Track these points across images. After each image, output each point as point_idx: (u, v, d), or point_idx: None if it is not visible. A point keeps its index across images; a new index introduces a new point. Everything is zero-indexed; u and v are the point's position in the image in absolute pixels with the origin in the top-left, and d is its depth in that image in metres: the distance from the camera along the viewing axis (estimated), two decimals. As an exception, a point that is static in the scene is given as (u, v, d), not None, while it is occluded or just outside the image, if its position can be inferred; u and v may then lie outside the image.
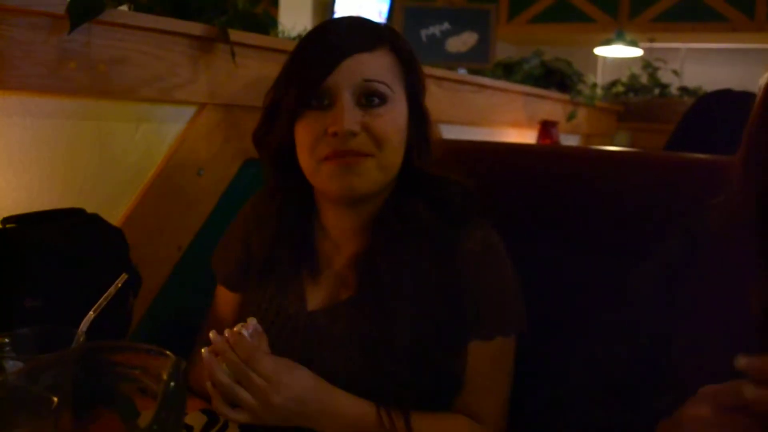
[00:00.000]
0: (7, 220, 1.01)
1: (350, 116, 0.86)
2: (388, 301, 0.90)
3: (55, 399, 0.59)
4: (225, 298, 1.08)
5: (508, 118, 2.79)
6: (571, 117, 3.33)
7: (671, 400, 0.69)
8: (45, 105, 1.12)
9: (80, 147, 1.17)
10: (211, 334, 0.84)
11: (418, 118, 0.95)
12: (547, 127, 2.85)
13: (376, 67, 0.90)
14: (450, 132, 2.28)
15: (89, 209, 1.09)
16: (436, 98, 2.17)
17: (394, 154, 0.91)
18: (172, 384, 0.47)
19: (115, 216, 1.21)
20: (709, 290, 0.78)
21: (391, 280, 0.90)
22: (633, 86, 4.25)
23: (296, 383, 0.84)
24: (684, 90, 4.37)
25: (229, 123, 1.35)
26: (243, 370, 0.80)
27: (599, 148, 1.40)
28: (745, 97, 1.97)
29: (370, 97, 0.89)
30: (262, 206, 1.02)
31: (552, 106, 3.19)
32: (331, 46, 0.90)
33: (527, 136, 2.94)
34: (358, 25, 0.94)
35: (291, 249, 0.99)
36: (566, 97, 3.31)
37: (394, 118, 0.90)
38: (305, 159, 0.91)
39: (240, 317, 1.04)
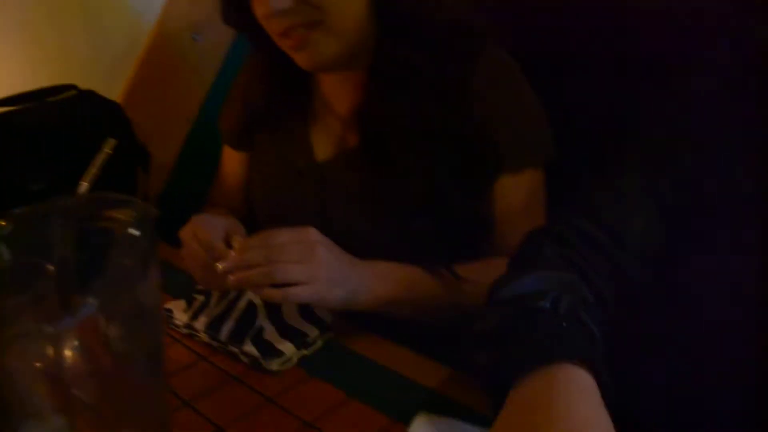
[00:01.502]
0: (0, 101, 0.97)
1: None
2: (394, 151, 0.83)
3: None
4: (231, 158, 1.05)
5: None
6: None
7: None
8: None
9: (67, 19, 1.11)
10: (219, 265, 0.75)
11: None
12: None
13: None
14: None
15: (83, 86, 1.04)
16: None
17: (341, 15, 0.79)
18: (136, 232, 0.44)
19: (113, 92, 1.16)
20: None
21: (394, 130, 0.83)
22: None
23: (327, 242, 0.78)
24: None
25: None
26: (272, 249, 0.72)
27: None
28: None
29: None
30: (257, 65, 0.95)
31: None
32: None
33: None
34: None
35: (289, 101, 0.93)
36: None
37: None
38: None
39: (249, 176, 1.01)
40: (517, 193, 0.85)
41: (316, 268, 0.72)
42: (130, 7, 1.18)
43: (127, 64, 1.18)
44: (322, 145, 0.92)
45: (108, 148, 0.73)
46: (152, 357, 0.47)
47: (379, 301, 0.77)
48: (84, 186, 0.73)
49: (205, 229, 0.79)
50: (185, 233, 0.81)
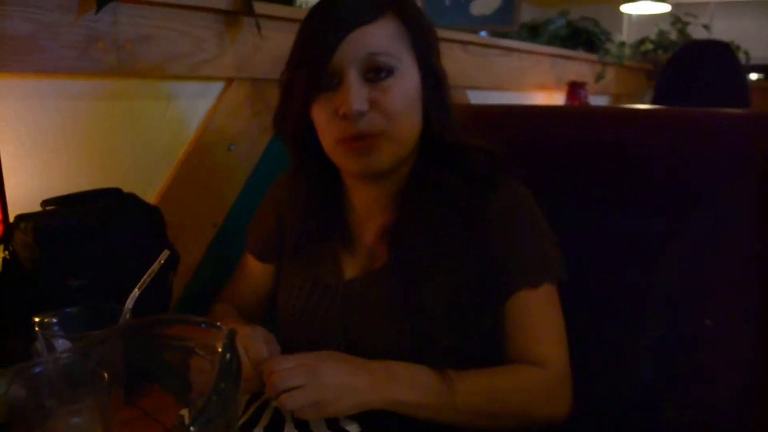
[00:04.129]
0: (46, 202, 1.03)
1: (357, 95, 0.85)
2: (419, 269, 0.89)
3: (106, 375, 0.60)
4: (253, 268, 1.10)
5: (535, 81, 2.74)
6: (599, 78, 3.26)
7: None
8: (76, 86, 1.13)
9: (112, 127, 1.19)
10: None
11: (433, 82, 0.92)
12: (575, 89, 2.79)
13: (379, 38, 0.87)
14: (477, 97, 2.25)
15: (125, 189, 1.11)
16: (462, 63, 2.14)
17: (407, 126, 0.89)
18: (228, 355, 0.48)
19: (150, 194, 1.22)
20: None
21: (421, 250, 0.90)
22: (662, 43, 4.14)
23: (338, 356, 0.84)
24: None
25: (256, 97, 1.35)
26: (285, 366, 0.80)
27: (625, 106, 1.37)
28: (721, 47, 1.94)
29: (377, 71, 0.86)
30: (292, 181, 1.02)
31: (579, 66, 3.13)
32: (332, 23, 0.87)
33: (555, 99, 2.90)
34: None
35: (322, 223, 0.99)
36: (594, 57, 3.24)
37: (403, 89, 0.88)
38: (323, 139, 0.91)
39: (276, 289, 1.06)
40: (535, 306, 0.91)
41: (319, 389, 0.78)
42: (173, 118, 1.26)
43: (165, 169, 1.26)
44: (351, 266, 0.98)
45: (163, 258, 0.78)
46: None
47: (396, 403, 0.82)
48: (135, 293, 0.78)
49: (255, 347, 0.84)
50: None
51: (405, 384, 0.83)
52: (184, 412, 0.63)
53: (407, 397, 0.82)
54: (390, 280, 0.92)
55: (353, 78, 0.86)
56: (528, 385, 0.89)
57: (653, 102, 1.88)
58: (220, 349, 0.50)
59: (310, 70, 0.87)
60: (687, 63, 1.86)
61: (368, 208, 0.98)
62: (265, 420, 0.82)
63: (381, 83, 0.86)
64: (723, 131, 1.03)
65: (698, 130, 1.07)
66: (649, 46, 4.09)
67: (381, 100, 0.86)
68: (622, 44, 3.65)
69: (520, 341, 0.91)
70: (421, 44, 0.91)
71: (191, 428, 0.41)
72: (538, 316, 0.91)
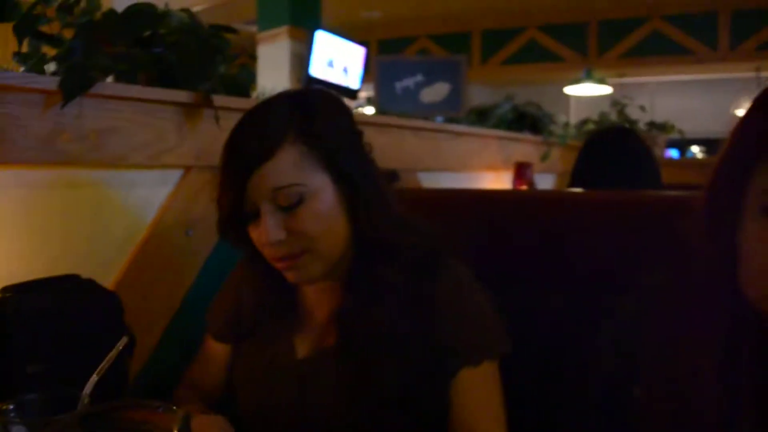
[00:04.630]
0: (6, 289, 1.05)
1: (273, 227, 0.90)
2: (366, 355, 0.94)
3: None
4: (213, 348, 1.14)
5: (484, 162, 2.87)
6: (544, 157, 3.42)
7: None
8: (39, 176, 1.17)
9: (73, 214, 1.22)
10: None
11: (351, 189, 0.94)
12: (522, 169, 2.93)
13: (280, 173, 0.90)
14: (428, 178, 2.36)
15: (84, 274, 1.14)
16: (414, 147, 2.25)
17: (329, 241, 0.94)
18: None
19: (108, 279, 1.25)
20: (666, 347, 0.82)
21: (367, 336, 0.95)
22: (603, 123, 4.38)
23: None
24: (652, 124, 4.51)
25: (215, 183, 1.40)
26: None
27: (560, 191, 1.47)
28: (626, 131, 2.14)
29: (286, 202, 0.91)
30: (249, 272, 1.07)
31: (526, 147, 3.29)
32: (236, 166, 0.93)
33: (503, 178, 3.03)
34: (255, 131, 0.94)
35: (275, 306, 1.04)
36: (539, 138, 3.42)
37: (316, 213, 0.92)
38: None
39: (231, 366, 1.10)
40: (477, 383, 0.96)
41: None
42: (133, 205, 1.31)
43: (124, 254, 1.29)
44: (303, 344, 1.03)
45: (121, 345, 0.82)
46: None
47: None
48: (94, 378, 0.81)
49: (205, 429, 0.87)
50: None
51: None
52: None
53: None
54: (339, 360, 0.97)
55: (267, 210, 0.91)
56: None
57: (570, 186, 2.02)
58: (175, 431, 0.54)
59: (229, 210, 0.94)
60: (595, 149, 2.03)
61: (316, 297, 1.04)
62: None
63: (293, 210, 0.91)
64: (643, 212, 1.14)
65: (626, 211, 1.17)
66: (591, 126, 4.31)
67: (296, 227, 0.91)
68: (567, 125, 3.86)
69: (464, 419, 0.95)
70: (330, 155, 0.93)
71: None
72: (480, 393, 0.96)
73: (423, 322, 0.95)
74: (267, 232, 0.91)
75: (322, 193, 0.93)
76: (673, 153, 7.36)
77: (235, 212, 0.94)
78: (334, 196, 0.94)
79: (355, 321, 0.96)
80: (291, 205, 0.91)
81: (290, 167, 0.91)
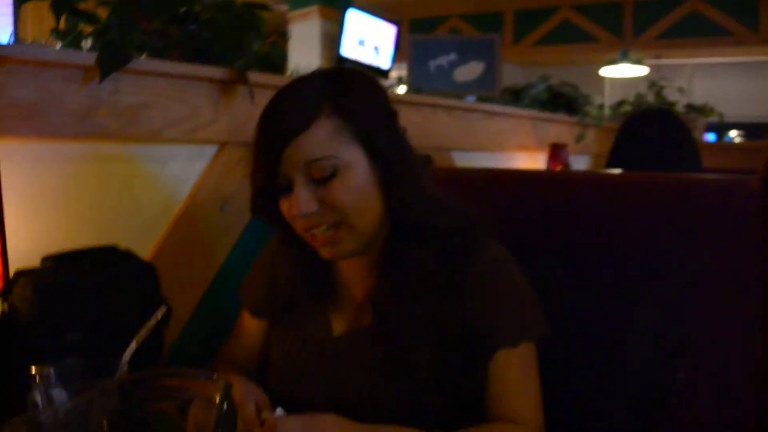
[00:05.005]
0: (46, 259, 1.08)
1: (304, 199, 0.90)
2: (402, 336, 0.94)
3: (106, 425, 0.64)
4: (249, 323, 1.14)
5: (517, 143, 2.84)
6: (579, 139, 3.37)
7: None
8: (77, 150, 1.19)
9: (111, 188, 1.25)
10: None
11: (385, 165, 0.94)
12: (556, 150, 2.89)
13: (315, 144, 0.90)
14: (462, 158, 2.34)
15: (121, 245, 1.16)
16: (446, 126, 2.23)
17: (363, 216, 0.93)
18: (225, 406, 0.52)
19: (145, 251, 1.28)
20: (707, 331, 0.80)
21: (402, 318, 0.94)
22: (640, 105, 4.30)
23: (329, 418, 0.87)
24: (690, 107, 4.41)
25: (249, 160, 1.41)
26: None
27: (600, 172, 1.45)
28: (667, 114, 2.07)
29: (320, 174, 0.90)
30: (283, 249, 1.07)
31: (560, 128, 3.24)
32: (270, 138, 0.92)
33: (537, 159, 3.00)
34: (291, 103, 0.94)
35: (311, 284, 1.04)
36: (574, 119, 3.37)
37: (350, 185, 0.91)
38: (294, 229, 0.97)
39: (267, 344, 1.10)
40: (514, 365, 0.95)
41: None
42: (169, 179, 1.32)
43: (160, 227, 1.31)
44: (339, 322, 1.02)
45: (160, 314, 0.83)
46: None
47: None
48: (133, 345, 0.83)
49: (248, 406, 0.88)
50: None
51: None
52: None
53: None
54: (376, 340, 0.97)
55: (299, 183, 0.91)
56: None
57: (608, 163, 1.99)
58: (217, 400, 0.54)
59: (262, 183, 0.94)
60: (635, 131, 1.98)
61: (352, 273, 1.03)
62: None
63: (327, 184, 0.90)
64: (689, 195, 1.11)
65: (670, 194, 1.14)
66: (628, 108, 4.24)
67: (329, 199, 0.91)
68: (602, 106, 3.80)
69: (500, 401, 0.95)
70: (365, 132, 0.93)
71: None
72: (517, 375, 0.95)
73: (459, 305, 0.95)
74: (299, 203, 0.90)
75: (356, 167, 0.92)
76: (710, 137, 7.20)
77: (268, 185, 0.94)
78: (368, 172, 0.93)
79: (389, 304, 0.95)
80: (324, 177, 0.90)
81: (325, 140, 0.90)
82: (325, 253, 0.96)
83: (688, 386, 0.92)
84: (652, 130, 1.92)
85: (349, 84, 0.96)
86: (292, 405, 0.96)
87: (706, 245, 0.98)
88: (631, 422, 0.98)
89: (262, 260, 1.15)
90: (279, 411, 0.91)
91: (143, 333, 0.81)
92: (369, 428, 0.88)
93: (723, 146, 5.29)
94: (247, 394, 0.88)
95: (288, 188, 0.93)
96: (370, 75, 1.04)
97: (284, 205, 0.94)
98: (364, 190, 0.93)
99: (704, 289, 0.98)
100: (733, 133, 8.02)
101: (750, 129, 7.32)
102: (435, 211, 0.96)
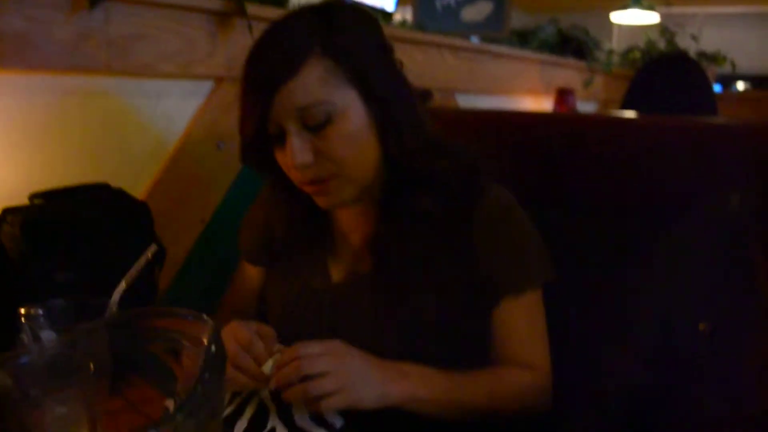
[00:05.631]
0: (34, 196, 1.04)
1: (299, 149, 0.85)
2: (403, 283, 0.91)
3: (92, 365, 0.61)
4: (248, 272, 1.11)
5: (524, 86, 2.77)
6: (587, 84, 3.29)
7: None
8: (67, 83, 1.14)
9: (102, 123, 1.20)
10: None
11: (380, 106, 0.88)
12: (563, 95, 2.83)
13: (306, 90, 0.84)
14: (467, 101, 2.28)
15: (113, 184, 1.11)
16: (452, 67, 2.16)
17: (359, 164, 0.88)
18: (213, 347, 0.49)
19: (138, 190, 1.23)
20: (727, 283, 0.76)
21: (403, 264, 0.91)
22: (650, 52, 4.19)
23: (355, 349, 0.84)
24: (702, 55, 4.30)
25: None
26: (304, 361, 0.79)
27: (613, 113, 1.39)
28: (685, 60, 1.99)
29: (314, 121, 0.85)
30: (274, 193, 1.03)
31: (568, 73, 3.16)
32: (258, 84, 0.86)
33: (544, 104, 2.93)
34: (278, 46, 0.86)
35: (307, 230, 1.00)
36: (582, 64, 3.28)
37: (345, 131, 0.86)
38: (290, 177, 0.92)
39: (265, 291, 1.07)
40: (520, 312, 0.93)
41: (346, 376, 0.79)
42: (163, 116, 1.27)
43: (154, 165, 1.27)
44: (338, 268, 0.99)
45: (150, 253, 0.79)
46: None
47: (410, 399, 0.84)
48: (122, 285, 0.79)
49: (245, 334, 0.84)
50: (226, 336, 0.85)
51: (417, 381, 0.85)
52: (169, 403, 0.64)
53: (420, 393, 0.84)
54: (377, 287, 0.94)
55: (292, 131, 0.85)
56: (521, 386, 0.92)
57: (622, 109, 1.93)
58: (205, 341, 0.51)
59: (252, 133, 0.88)
60: (652, 76, 1.91)
61: (350, 220, 0.99)
62: (248, 413, 0.83)
63: (321, 131, 0.85)
64: (708, 140, 1.06)
65: (686, 138, 1.09)
66: (637, 55, 4.13)
67: (325, 148, 0.86)
68: (611, 52, 3.70)
69: (508, 346, 0.93)
70: (359, 72, 0.87)
71: (177, 416, 0.42)
72: (523, 321, 0.93)
73: (462, 251, 0.91)
74: (293, 154, 0.85)
75: (351, 111, 0.86)
76: (715, 89, 7.07)
77: (259, 135, 0.88)
78: (364, 116, 0.88)
79: (388, 249, 0.92)
80: (318, 124, 0.85)
81: (316, 84, 0.84)
82: (321, 202, 0.91)
83: (711, 338, 0.88)
84: (668, 76, 1.85)
85: (340, 20, 0.88)
86: None
87: (733, 188, 0.93)
88: (649, 373, 0.94)
89: (256, 207, 1.11)
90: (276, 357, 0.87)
91: (133, 272, 0.77)
92: (377, 360, 0.85)
93: (731, 96, 5.19)
94: (250, 333, 0.85)
95: (280, 137, 0.87)
96: (361, 7, 0.96)
97: (279, 156, 0.89)
98: (360, 136, 0.88)
99: (730, 233, 0.93)
100: (741, 85, 7.89)
101: (756, 81, 7.19)
102: (436, 155, 0.92)
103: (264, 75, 0.85)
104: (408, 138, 0.89)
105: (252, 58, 0.88)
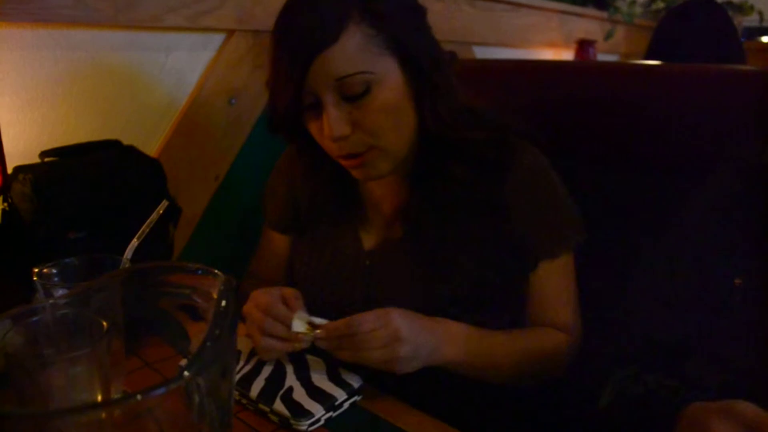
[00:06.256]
0: (45, 153, 1.02)
1: (336, 121, 0.81)
2: (436, 246, 0.89)
3: (105, 323, 0.60)
4: (273, 240, 1.08)
5: (544, 38, 2.69)
6: (609, 36, 3.19)
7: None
8: (74, 37, 1.10)
9: (111, 79, 1.16)
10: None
11: (419, 71, 0.85)
12: (584, 47, 2.74)
13: (345, 59, 0.79)
14: (483, 53, 2.22)
15: (125, 141, 1.09)
16: (468, 18, 2.09)
17: (397, 137, 0.85)
18: (224, 302, 0.47)
19: (150, 147, 1.21)
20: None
21: (436, 232, 0.89)
22: (674, 2, 4.05)
23: (408, 313, 0.82)
24: (729, 4, 4.15)
25: (259, 50, 1.32)
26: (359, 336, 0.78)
27: (637, 62, 1.33)
28: (714, 6, 1.89)
29: (352, 91, 0.81)
30: (300, 160, 0.99)
31: (589, 24, 3.07)
32: (292, 52, 0.80)
33: (564, 57, 2.84)
34: (314, 11, 0.81)
35: (336, 198, 0.97)
36: (603, 15, 3.17)
37: (384, 102, 0.82)
38: (324, 148, 0.88)
39: (295, 260, 1.04)
40: (555, 275, 0.93)
41: (397, 350, 0.77)
42: (173, 70, 1.24)
43: (166, 122, 1.24)
44: (369, 236, 0.97)
45: (161, 209, 0.77)
46: (224, 424, 0.49)
47: (449, 361, 0.84)
48: (134, 242, 0.77)
49: (266, 298, 0.82)
50: (248, 307, 0.84)
51: (461, 343, 0.84)
52: (184, 362, 0.62)
53: (462, 356, 0.84)
54: (408, 252, 0.92)
55: (329, 102, 0.81)
56: (557, 348, 0.92)
57: (646, 59, 1.85)
58: (215, 296, 0.49)
59: (287, 104, 0.83)
60: (679, 20, 1.82)
61: (382, 190, 0.97)
62: (266, 372, 0.82)
63: (359, 101, 0.81)
64: (741, 87, 1.01)
65: (715, 86, 1.04)
66: (661, 5, 3.99)
67: (363, 120, 0.82)
68: (633, 2, 3.57)
69: (542, 309, 0.93)
70: (397, 38, 0.82)
71: (185, 373, 0.40)
72: (557, 284, 0.93)
73: (495, 216, 0.89)
74: (331, 126, 0.81)
75: (390, 80, 0.82)
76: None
77: (294, 106, 0.83)
78: (402, 84, 0.84)
79: (421, 217, 0.90)
80: (357, 95, 0.81)
81: (356, 52, 0.80)
82: (357, 174, 0.88)
83: (745, 293, 0.85)
84: (694, 21, 1.77)
85: None
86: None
87: (760, 136, 0.89)
88: (680, 329, 0.91)
89: (279, 174, 1.07)
90: (301, 314, 0.85)
91: (145, 229, 0.75)
92: (428, 319, 0.83)
93: (762, 46, 5.02)
94: (270, 297, 0.83)
95: (315, 106, 0.83)
96: None
97: (313, 126, 0.86)
98: (399, 106, 0.84)
99: (759, 186, 0.89)
100: (766, 39, 7.64)
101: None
102: (470, 124, 0.89)
103: (300, 42, 0.80)
104: (443, 107, 0.87)
105: (284, 22, 0.83)
